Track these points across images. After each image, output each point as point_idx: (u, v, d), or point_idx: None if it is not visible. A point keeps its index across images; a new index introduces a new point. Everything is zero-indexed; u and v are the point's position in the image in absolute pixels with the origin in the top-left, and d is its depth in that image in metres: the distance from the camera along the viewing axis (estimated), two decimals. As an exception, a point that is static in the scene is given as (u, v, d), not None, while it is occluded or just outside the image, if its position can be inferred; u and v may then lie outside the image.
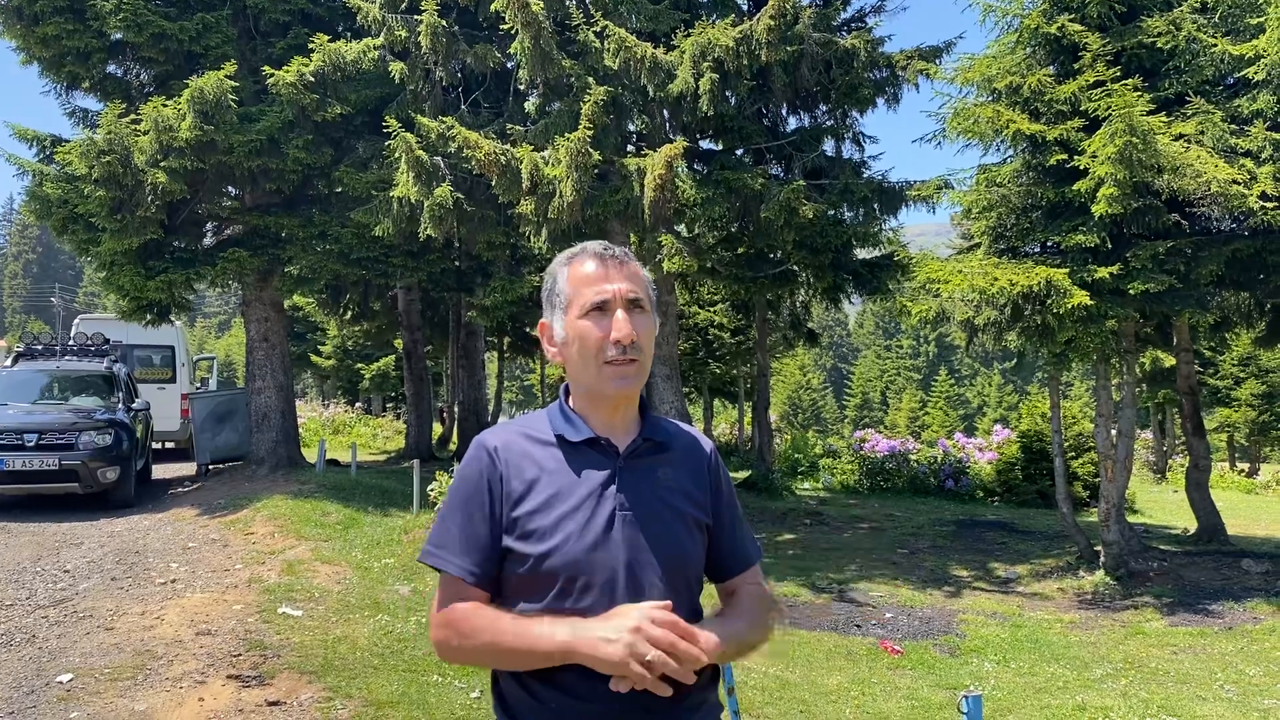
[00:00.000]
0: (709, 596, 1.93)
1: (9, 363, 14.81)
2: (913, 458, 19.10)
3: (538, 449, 1.84)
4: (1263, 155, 8.38)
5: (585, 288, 1.83)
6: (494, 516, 1.79)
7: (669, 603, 1.72)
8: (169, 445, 19.91)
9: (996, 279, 8.79)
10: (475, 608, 1.78)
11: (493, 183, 10.78)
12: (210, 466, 15.26)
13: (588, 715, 1.73)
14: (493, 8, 11.20)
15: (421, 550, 1.86)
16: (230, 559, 8.92)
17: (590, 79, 10.75)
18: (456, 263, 18.17)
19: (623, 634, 1.65)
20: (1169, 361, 22.62)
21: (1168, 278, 8.66)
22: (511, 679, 1.80)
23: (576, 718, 1.73)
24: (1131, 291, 8.64)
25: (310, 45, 12.34)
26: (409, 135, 11.07)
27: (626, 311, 1.81)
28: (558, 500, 1.79)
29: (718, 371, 25.21)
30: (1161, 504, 18.33)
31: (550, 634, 1.69)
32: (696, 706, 1.82)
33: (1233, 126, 8.67)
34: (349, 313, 23.61)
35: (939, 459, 18.95)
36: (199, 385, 22.89)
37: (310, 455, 15.28)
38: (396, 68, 12.09)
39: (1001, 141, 9.96)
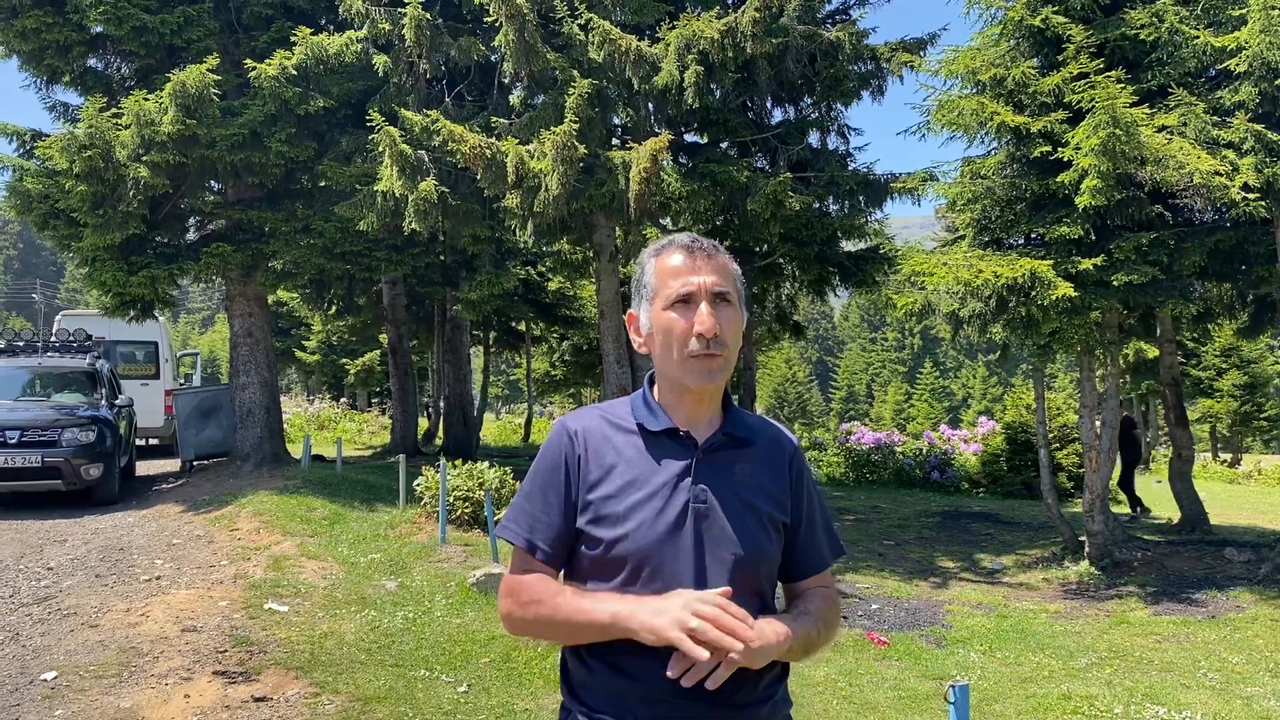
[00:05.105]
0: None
1: (-9, 359, 14.68)
2: (898, 450, 19.17)
3: (618, 435, 1.87)
4: (1245, 146, 8.42)
5: (671, 279, 1.83)
6: (569, 498, 1.83)
7: (728, 589, 1.72)
8: (153, 442, 19.80)
9: (981, 271, 8.82)
10: (537, 578, 1.82)
11: (478, 176, 10.74)
12: (194, 463, 15.18)
13: (642, 697, 1.74)
14: (476, 0, 11.16)
15: (499, 524, 1.91)
16: (215, 555, 8.87)
17: (575, 72, 10.71)
18: (441, 256, 18.10)
19: (672, 606, 1.66)
20: (1152, 353, 22.79)
21: (1151, 269, 8.70)
22: (574, 655, 1.83)
23: (634, 699, 1.75)
24: (1115, 283, 8.67)
25: (293, 38, 12.24)
26: (393, 129, 11.01)
27: (711, 305, 1.81)
28: (632, 488, 1.80)
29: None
30: (1145, 494, 18.42)
31: (602, 607, 1.72)
32: (764, 699, 1.82)
33: (1215, 118, 8.71)
34: (333, 307, 23.49)
35: (924, 451, 19.02)
36: (183, 381, 22.77)
37: (295, 451, 15.21)
38: (380, 60, 12.03)
39: (986, 134, 9.99)
